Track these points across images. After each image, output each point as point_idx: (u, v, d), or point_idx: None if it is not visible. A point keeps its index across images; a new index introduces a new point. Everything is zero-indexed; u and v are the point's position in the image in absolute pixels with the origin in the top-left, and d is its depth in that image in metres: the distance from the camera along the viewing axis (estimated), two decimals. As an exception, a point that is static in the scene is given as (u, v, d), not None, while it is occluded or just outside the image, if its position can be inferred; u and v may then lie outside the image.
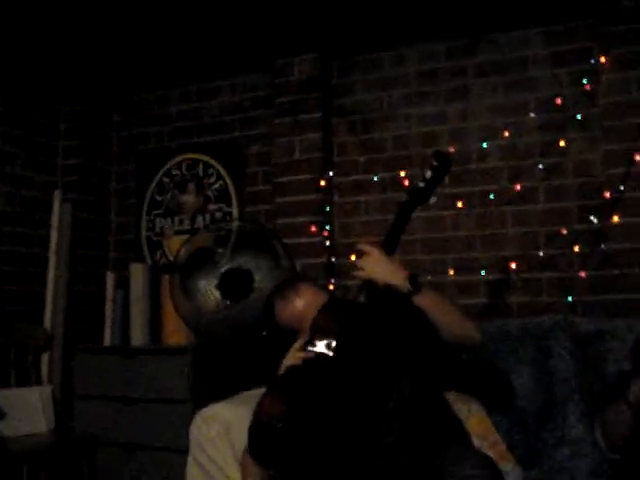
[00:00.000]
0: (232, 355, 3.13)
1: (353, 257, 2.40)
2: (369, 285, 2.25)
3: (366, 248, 2.30)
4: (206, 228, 3.56)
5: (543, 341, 2.68)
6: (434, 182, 2.31)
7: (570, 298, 3.06)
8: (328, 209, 3.49)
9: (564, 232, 3.09)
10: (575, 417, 2.53)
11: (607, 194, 2.97)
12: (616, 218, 2.94)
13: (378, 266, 2.27)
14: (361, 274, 2.25)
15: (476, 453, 2.08)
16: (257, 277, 2.96)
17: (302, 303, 2.32)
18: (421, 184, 2.33)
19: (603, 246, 3.00)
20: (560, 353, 2.63)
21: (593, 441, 2.45)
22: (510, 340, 2.72)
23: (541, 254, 3.12)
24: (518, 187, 3.17)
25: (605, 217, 2.99)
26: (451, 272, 3.22)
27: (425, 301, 2.22)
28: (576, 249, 3.06)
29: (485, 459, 1.95)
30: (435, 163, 2.30)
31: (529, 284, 3.15)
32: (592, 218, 3.04)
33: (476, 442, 2.30)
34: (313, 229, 3.43)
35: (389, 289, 2.24)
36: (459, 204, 3.25)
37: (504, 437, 2.53)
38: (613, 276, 2.95)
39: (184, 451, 2.50)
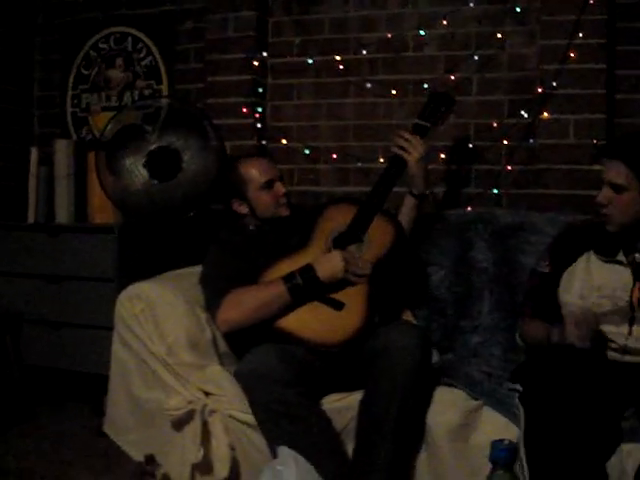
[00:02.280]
0: (158, 235, 3.11)
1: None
2: (397, 162, 2.49)
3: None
4: (134, 105, 3.46)
5: (465, 233, 2.76)
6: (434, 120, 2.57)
7: (496, 191, 3.11)
8: (260, 91, 3.41)
9: (495, 125, 3.10)
10: (490, 306, 2.63)
11: (539, 89, 2.98)
12: (546, 114, 2.97)
13: (423, 151, 2.50)
14: (417, 151, 2.47)
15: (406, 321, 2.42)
16: (185, 157, 2.90)
17: (271, 164, 2.60)
18: (425, 123, 2.57)
19: (531, 141, 3.04)
20: (480, 245, 2.71)
21: (506, 328, 2.58)
22: (434, 230, 2.79)
23: (471, 146, 3.14)
24: (452, 77, 3.15)
25: (535, 112, 3.01)
26: (381, 160, 3.22)
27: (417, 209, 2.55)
28: (505, 142, 3.09)
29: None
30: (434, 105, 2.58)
31: (457, 175, 3.18)
32: (523, 113, 3.05)
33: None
34: (244, 110, 3.36)
35: (413, 176, 2.52)
36: (393, 92, 3.21)
37: (425, 325, 2.63)
38: (539, 170, 3.00)
39: (109, 328, 2.52)
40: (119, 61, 3.76)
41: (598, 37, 2.91)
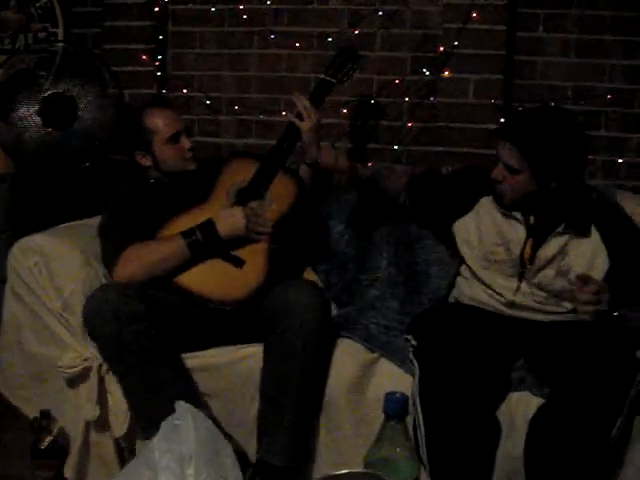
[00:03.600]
0: (53, 185, 3.01)
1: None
2: (293, 126, 2.45)
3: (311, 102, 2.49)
4: (28, 49, 3.30)
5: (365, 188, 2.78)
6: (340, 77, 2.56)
7: (397, 147, 3.15)
8: (161, 38, 3.31)
9: (397, 82, 3.12)
10: (388, 261, 2.67)
11: (441, 48, 3.01)
12: (447, 72, 3.01)
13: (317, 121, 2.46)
14: (310, 120, 2.44)
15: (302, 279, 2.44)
16: (81, 104, 2.82)
17: (177, 116, 2.52)
18: (331, 79, 2.55)
19: (432, 99, 3.08)
20: (379, 200, 2.74)
21: (403, 282, 2.64)
22: (335, 186, 2.80)
23: (373, 102, 3.16)
24: (356, 32, 3.14)
25: (437, 70, 3.04)
26: (284, 113, 3.20)
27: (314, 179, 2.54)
28: (407, 99, 3.12)
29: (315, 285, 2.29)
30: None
31: (360, 131, 3.19)
32: (425, 70, 3.08)
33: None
34: (144, 57, 3.26)
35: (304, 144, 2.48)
36: (297, 44, 3.18)
37: (324, 278, 2.66)
38: (438, 128, 3.05)
39: (1, 282, 2.45)
40: (12, 2, 3.56)
41: (500, -2, 2.95)
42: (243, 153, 2.71)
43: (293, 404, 2.10)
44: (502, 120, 2.90)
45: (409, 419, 1.26)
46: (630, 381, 1.92)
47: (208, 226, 2.26)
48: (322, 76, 2.56)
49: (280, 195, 2.39)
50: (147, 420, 2.12)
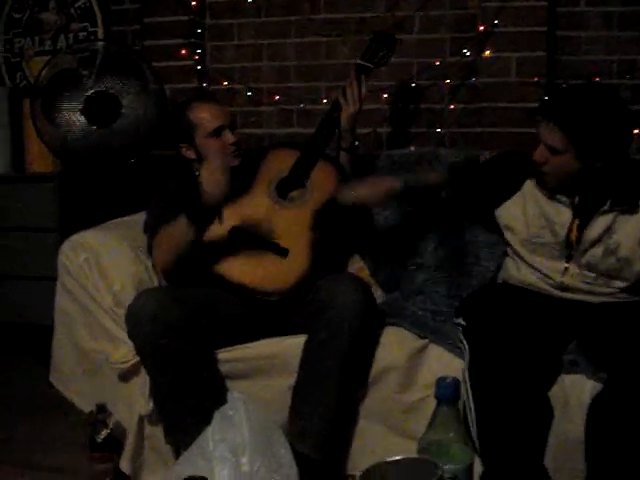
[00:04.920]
0: (100, 182, 3.05)
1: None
2: (333, 114, 2.48)
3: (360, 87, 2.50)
4: (69, 48, 3.35)
5: (409, 172, 2.76)
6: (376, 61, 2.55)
7: (439, 129, 3.12)
8: (199, 31, 3.33)
9: (437, 64, 3.10)
10: (434, 245, 2.65)
11: (481, 27, 2.97)
12: (488, 52, 2.97)
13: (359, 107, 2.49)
14: (353, 106, 2.46)
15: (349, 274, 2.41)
16: (124, 102, 2.85)
17: (223, 110, 2.52)
18: (367, 64, 2.54)
19: (474, 79, 3.04)
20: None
21: (450, 266, 2.62)
22: (379, 170, 2.79)
23: (413, 85, 3.13)
24: (394, 16, 3.11)
25: (477, 50, 3.01)
26: (324, 101, 3.19)
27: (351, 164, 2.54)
28: (448, 81, 3.10)
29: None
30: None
31: (401, 115, 3.18)
32: (465, 51, 3.05)
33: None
34: (183, 52, 3.28)
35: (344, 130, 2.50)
36: (334, 32, 3.17)
37: (371, 265, 2.66)
38: (481, 109, 3.02)
39: (53, 279, 2.48)
40: (52, 3, 3.62)
41: (540, -25, 2.90)
42: (283, 143, 2.70)
43: (330, 394, 2.09)
44: (543, 99, 2.85)
45: (461, 404, 1.25)
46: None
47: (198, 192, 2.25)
48: (358, 61, 2.55)
49: (321, 183, 2.39)
50: (173, 432, 2.16)
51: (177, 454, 2.12)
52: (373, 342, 2.20)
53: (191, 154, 2.50)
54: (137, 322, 2.12)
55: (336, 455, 2.16)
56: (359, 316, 2.10)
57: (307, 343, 2.16)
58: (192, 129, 2.46)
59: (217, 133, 2.46)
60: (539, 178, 2.23)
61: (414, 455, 1.23)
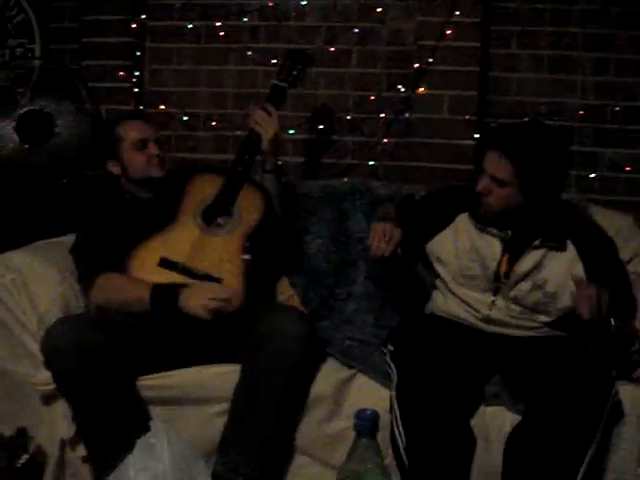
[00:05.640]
0: (29, 202, 3.00)
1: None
2: (252, 137, 2.50)
3: (271, 108, 2.52)
4: (4, 65, 3.30)
5: (342, 203, 2.81)
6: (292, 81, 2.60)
7: (373, 162, 3.18)
8: (139, 54, 3.32)
9: (373, 98, 3.16)
10: (364, 275, 2.70)
11: (416, 65, 3.05)
12: (422, 89, 3.05)
13: (277, 128, 2.51)
14: (271, 129, 2.49)
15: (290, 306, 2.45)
16: (58, 121, 2.82)
17: (148, 126, 2.55)
18: (282, 84, 2.59)
19: (407, 115, 3.11)
20: (356, 215, 2.77)
21: (379, 296, 2.66)
22: (312, 200, 2.83)
23: (349, 118, 3.19)
24: (333, 49, 3.18)
25: (412, 87, 3.08)
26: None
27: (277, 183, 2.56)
28: (382, 115, 3.16)
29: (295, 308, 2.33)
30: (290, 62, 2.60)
31: (336, 146, 3.23)
32: (400, 87, 3.12)
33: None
34: (121, 74, 3.27)
35: (265, 152, 2.52)
36: (273, 60, 3.21)
37: (301, 293, 2.68)
38: (413, 143, 3.08)
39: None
40: (-13, 18, 3.56)
41: (473, 16, 3.00)
42: (206, 168, 2.70)
43: (266, 425, 2.09)
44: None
45: (380, 435, 1.27)
46: (605, 399, 1.95)
47: (173, 296, 2.19)
48: (274, 82, 2.60)
49: (248, 208, 2.41)
50: (95, 458, 2.14)
51: (98, 481, 2.09)
52: (306, 372, 2.22)
53: (116, 169, 2.51)
54: (54, 351, 2.08)
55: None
56: (301, 350, 2.12)
57: (245, 374, 2.15)
58: (117, 143, 2.49)
59: (142, 146, 2.47)
60: (476, 209, 2.27)
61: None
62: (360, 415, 1.24)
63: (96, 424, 2.11)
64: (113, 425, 2.08)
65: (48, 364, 2.13)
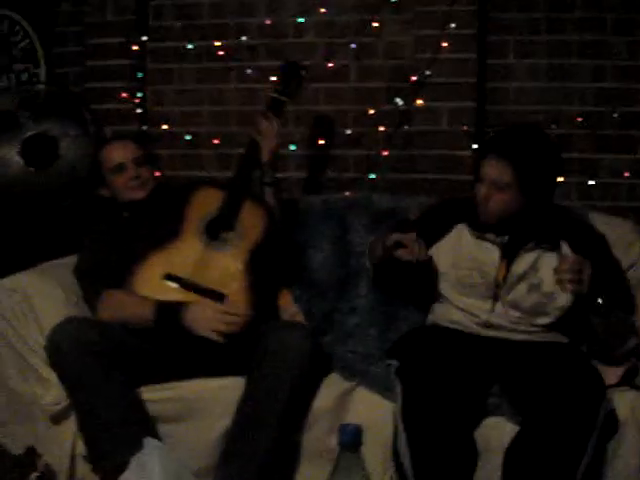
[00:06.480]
0: (33, 224, 3.05)
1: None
2: (252, 150, 2.51)
3: (273, 120, 2.53)
4: (10, 90, 3.36)
5: (344, 217, 2.83)
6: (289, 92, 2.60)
7: (373, 175, 3.20)
8: (140, 75, 3.37)
9: (371, 112, 3.19)
10: (367, 288, 2.71)
11: (414, 77, 3.08)
12: (420, 101, 3.08)
13: (278, 139, 2.53)
14: (272, 141, 2.51)
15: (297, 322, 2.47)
16: (63, 144, 2.88)
17: (128, 147, 2.57)
18: (275, 95, 2.59)
19: (406, 127, 3.14)
20: (357, 228, 2.79)
21: (382, 309, 2.68)
22: (314, 215, 2.85)
23: (349, 132, 3.22)
24: (331, 64, 3.21)
25: (410, 99, 3.11)
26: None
27: (276, 195, 2.56)
28: (381, 129, 3.18)
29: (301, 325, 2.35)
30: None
31: (337, 160, 3.26)
32: (398, 100, 3.15)
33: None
34: (124, 95, 3.32)
35: (264, 165, 2.52)
36: (273, 78, 3.24)
37: (304, 308, 2.70)
38: (412, 156, 3.11)
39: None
40: (-7, 44, 3.63)
41: (469, 27, 3.03)
42: (207, 182, 2.73)
43: (268, 441, 2.12)
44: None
45: (364, 449, 1.29)
46: (596, 408, 1.96)
47: (176, 313, 2.23)
48: (272, 94, 2.61)
49: (251, 224, 2.42)
50: (97, 451, 2.16)
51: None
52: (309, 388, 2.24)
53: (107, 192, 2.59)
54: (57, 349, 2.14)
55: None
56: (305, 366, 2.15)
57: (249, 388, 2.17)
58: (101, 168, 2.57)
59: (119, 169, 2.53)
60: (474, 219, 2.31)
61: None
62: (343, 429, 1.26)
63: (96, 423, 2.14)
64: (114, 425, 2.12)
65: (52, 363, 2.19)
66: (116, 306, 2.30)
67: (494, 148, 2.23)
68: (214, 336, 2.18)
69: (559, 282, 2.06)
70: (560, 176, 2.34)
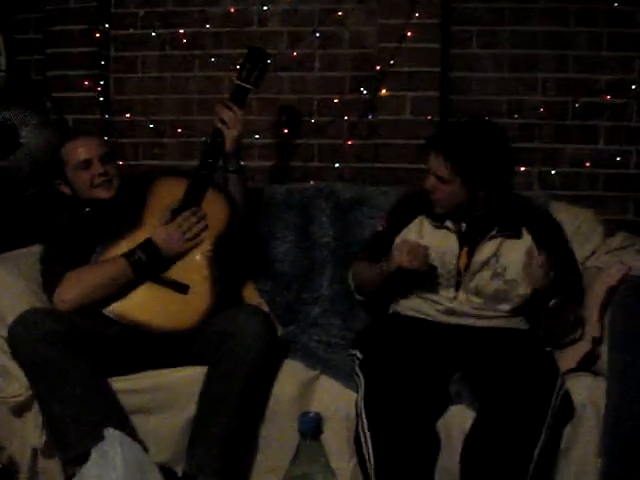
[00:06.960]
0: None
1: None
2: (216, 140, 2.49)
3: (236, 108, 2.50)
4: (-31, 77, 3.30)
5: (307, 207, 2.83)
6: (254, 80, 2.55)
7: (338, 165, 3.21)
8: (103, 63, 3.33)
9: (336, 101, 3.19)
10: (330, 278, 2.72)
11: (378, 67, 3.08)
12: (384, 90, 3.08)
13: (241, 128, 2.50)
14: (236, 129, 2.47)
15: (251, 306, 2.42)
16: (23, 133, 2.83)
17: (94, 143, 2.51)
18: (245, 85, 2.55)
19: (370, 116, 3.15)
20: (321, 219, 2.80)
21: (346, 299, 2.69)
22: (277, 205, 2.85)
23: (313, 121, 3.22)
24: (295, 53, 3.20)
25: (374, 89, 3.11)
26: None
27: (241, 183, 2.56)
28: (346, 118, 3.19)
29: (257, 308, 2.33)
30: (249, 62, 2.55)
31: (301, 150, 3.25)
32: (362, 89, 3.15)
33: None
34: (86, 83, 3.28)
35: (228, 153, 2.51)
36: (237, 66, 3.22)
37: (268, 298, 2.70)
38: (377, 145, 3.12)
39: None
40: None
41: (433, 17, 3.04)
42: (169, 172, 2.70)
43: (229, 423, 2.13)
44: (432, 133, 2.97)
45: (326, 437, 1.30)
46: (548, 394, 2.00)
47: (148, 245, 2.29)
48: (236, 82, 2.56)
49: (213, 214, 2.40)
50: (62, 442, 2.14)
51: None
52: (269, 374, 2.25)
53: (66, 190, 2.51)
54: (20, 339, 2.13)
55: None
56: (261, 347, 2.15)
57: (209, 374, 2.19)
58: (63, 165, 2.49)
59: (85, 166, 2.46)
60: (429, 206, 2.36)
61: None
62: (303, 417, 1.27)
63: (58, 414, 2.12)
64: (74, 416, 2.10)
65: (13, 354, 2.17)
66: (84, 278, 2.26)
67: (434, 144, 2.30)
68: (191, 244, 2.32)
69: (530, 276, 2.16)
70: (511, 166, 2.35)
